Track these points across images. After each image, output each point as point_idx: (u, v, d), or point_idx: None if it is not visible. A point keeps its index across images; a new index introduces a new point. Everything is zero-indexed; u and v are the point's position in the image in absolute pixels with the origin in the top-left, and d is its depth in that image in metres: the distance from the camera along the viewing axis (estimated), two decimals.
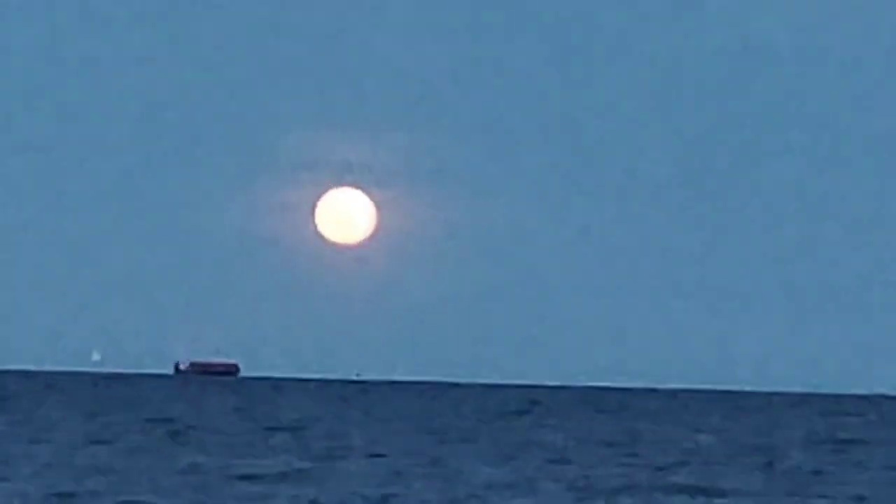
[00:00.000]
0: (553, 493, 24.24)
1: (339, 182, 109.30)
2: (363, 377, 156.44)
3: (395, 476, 27.06)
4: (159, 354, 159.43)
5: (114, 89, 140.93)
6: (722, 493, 25.22)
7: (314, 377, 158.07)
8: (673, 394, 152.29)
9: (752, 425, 70.40)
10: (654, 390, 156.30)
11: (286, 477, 26.42)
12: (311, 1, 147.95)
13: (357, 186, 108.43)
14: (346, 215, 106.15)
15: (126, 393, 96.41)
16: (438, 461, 32.56)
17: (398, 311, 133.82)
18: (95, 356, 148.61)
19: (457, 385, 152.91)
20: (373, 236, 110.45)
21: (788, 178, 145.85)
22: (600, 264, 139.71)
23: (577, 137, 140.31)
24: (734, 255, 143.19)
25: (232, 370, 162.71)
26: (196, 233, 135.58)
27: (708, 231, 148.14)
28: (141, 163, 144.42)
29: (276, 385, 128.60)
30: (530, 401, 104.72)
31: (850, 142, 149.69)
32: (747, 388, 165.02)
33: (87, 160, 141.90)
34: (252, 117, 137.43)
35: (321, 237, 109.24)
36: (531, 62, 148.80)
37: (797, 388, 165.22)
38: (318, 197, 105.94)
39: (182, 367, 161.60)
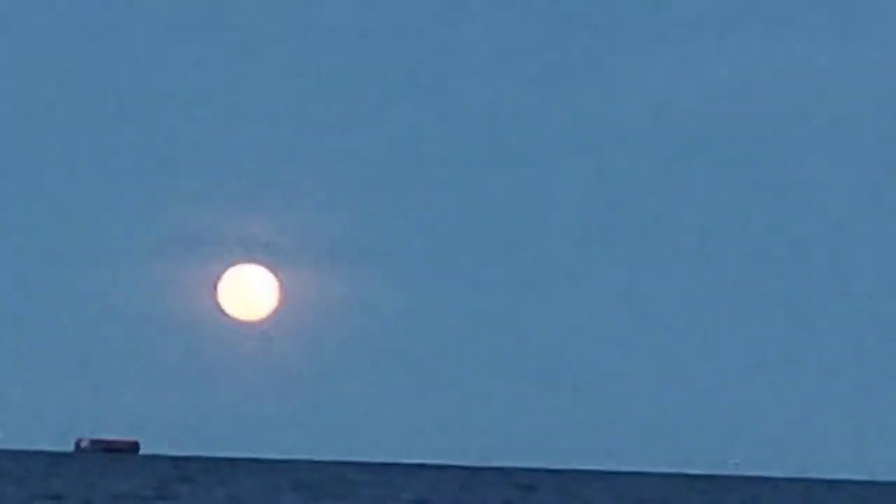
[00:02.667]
0: None
1: (241, 258, 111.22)
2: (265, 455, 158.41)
3: None
4: (60, 432, 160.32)
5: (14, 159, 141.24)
6: None
7: (217, 455, 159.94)
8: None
9: None
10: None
11: None
12: (209, 73, 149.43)
13: (259, 262, 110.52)
14: (248, 291, 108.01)
15: (23, 469, 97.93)
16: None
17: (300, 385, 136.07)
18: None
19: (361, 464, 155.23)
20: (276, 311, 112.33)
21: None
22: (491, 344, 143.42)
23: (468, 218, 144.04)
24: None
25: (133, 447, 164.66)
26: (97, 309, 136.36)
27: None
28: (38, 237, 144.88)
29: (177, 463, 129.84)
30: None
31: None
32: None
33: None
34: (149, 194, 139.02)
35: (224, 313, 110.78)
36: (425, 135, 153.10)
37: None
38: (220, 274, 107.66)
39: (83, 444, 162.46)
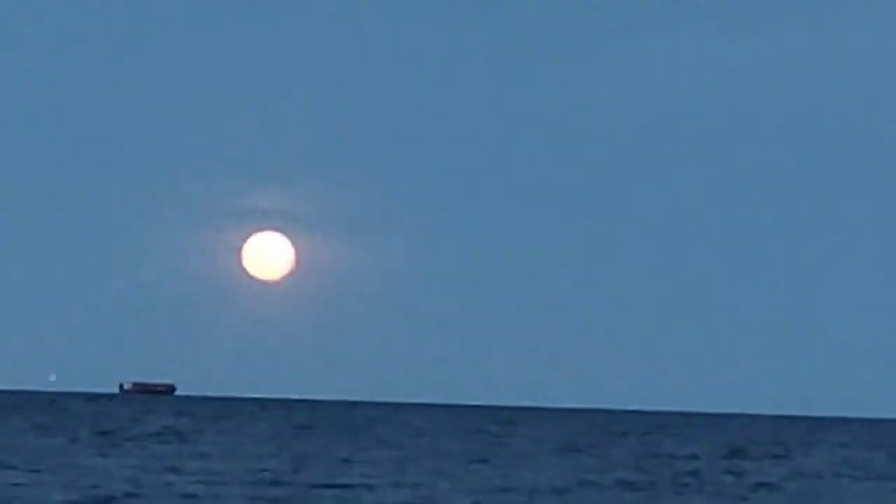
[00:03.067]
0: None
1: (262, 227, 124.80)
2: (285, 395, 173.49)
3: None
4: (106, 376, 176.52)
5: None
6: None
7: (243, 396, 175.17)
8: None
9: None
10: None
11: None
12: (230, 59, 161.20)
13: (277, 230, 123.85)
14: (266, 255, 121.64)
15: (76, 409, 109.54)
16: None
17: (311, 336, 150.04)
18: (52, 377, 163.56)
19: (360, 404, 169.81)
20: (291, 274, 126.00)
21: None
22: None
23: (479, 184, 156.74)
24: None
25: (170, 390, 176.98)
26: (140, 271, 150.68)
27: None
28: (98, 205, 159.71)
29: (209, 403, 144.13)
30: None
31: None
32: None
33: (37, 206, 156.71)
34: (186, 174, 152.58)
35: (247, 274, 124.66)
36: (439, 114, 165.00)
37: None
38: (243, 240, 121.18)
39: (126, 387, 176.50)
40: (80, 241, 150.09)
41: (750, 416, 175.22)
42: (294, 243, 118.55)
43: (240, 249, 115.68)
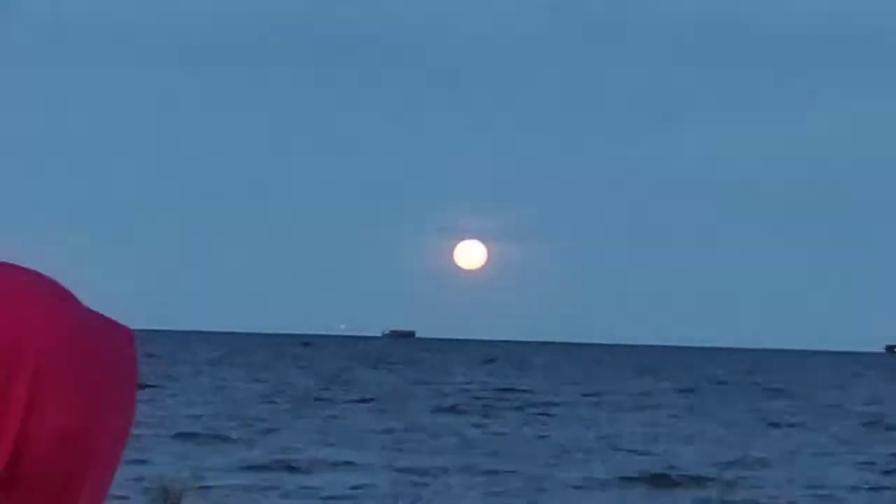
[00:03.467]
0: None
1: (466, 237, 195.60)
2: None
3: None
4: (370, 323, 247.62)
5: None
6: None
7: (463, 337, 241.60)
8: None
9: None
10: None
11: None
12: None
13: (476, 238, 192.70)
14: (469, 254, 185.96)
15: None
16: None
17: (499, 303, 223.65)
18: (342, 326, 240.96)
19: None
20: (483, 266, 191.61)
21: None
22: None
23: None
24: None
25: (411, 334, 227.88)
26: (398, 264, 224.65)
27: None
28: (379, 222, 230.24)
29: (437, 341, 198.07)
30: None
31: None
32: None
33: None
34: (418, 199, 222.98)
35: (457, 267, 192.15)
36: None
37: None
38: (455, 244, 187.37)
39: (385, 332, 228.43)
40: (367, 245, 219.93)
41: None
42: (486, 246, 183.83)
43: (453, 249, 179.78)
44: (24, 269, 1.10)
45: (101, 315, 1.13)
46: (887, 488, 25.79)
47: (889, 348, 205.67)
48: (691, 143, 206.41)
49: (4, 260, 1.04)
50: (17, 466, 1.05)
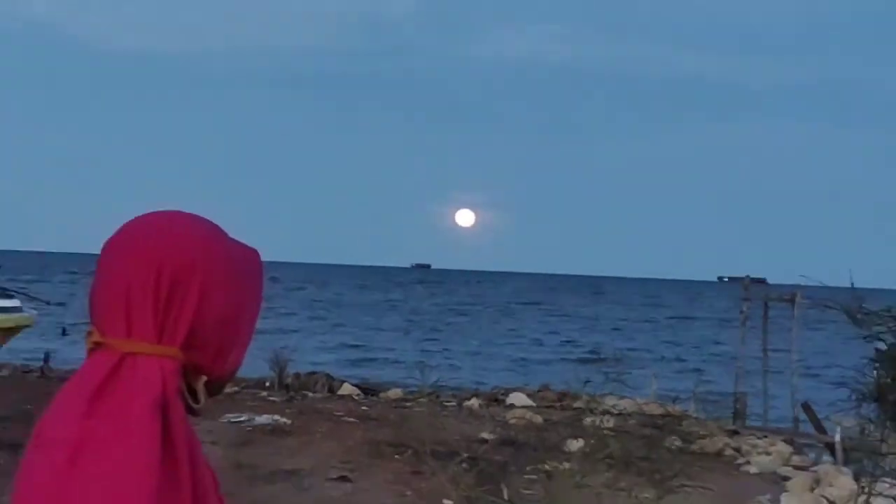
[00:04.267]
0: None
1: (463, 207, 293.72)
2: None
3: None
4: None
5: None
6: None
7: (460, 269, 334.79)
8: None
9: None
10: None
11: None
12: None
13: (469, 209, 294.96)
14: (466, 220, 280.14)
15: None
16: None
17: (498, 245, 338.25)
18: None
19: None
20: (474, 225, 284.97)
21: None
22: None
23: None
24: None
25: (428, 266, 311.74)
26: (425, 222, 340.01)
27: None
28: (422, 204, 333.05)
29: (447, 273, 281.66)
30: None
31: None
32: None
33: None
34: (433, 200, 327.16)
35: (458, 225, 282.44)
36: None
37: None
38: (456, 211, 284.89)
39: (411, 264, 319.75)
40: (405, 211, 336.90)
41: None
42: (475, 213, 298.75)
43: (455, 214, 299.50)
44: (186, 212, 1.70)
45: (239, 241, 1.73)
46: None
47: (719, 278, 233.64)
48: None
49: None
50: (194, 338, 1.63)
